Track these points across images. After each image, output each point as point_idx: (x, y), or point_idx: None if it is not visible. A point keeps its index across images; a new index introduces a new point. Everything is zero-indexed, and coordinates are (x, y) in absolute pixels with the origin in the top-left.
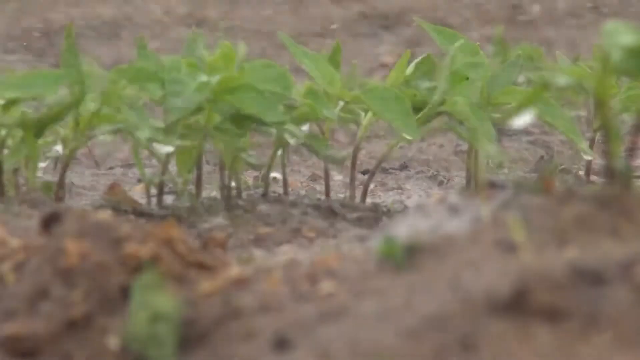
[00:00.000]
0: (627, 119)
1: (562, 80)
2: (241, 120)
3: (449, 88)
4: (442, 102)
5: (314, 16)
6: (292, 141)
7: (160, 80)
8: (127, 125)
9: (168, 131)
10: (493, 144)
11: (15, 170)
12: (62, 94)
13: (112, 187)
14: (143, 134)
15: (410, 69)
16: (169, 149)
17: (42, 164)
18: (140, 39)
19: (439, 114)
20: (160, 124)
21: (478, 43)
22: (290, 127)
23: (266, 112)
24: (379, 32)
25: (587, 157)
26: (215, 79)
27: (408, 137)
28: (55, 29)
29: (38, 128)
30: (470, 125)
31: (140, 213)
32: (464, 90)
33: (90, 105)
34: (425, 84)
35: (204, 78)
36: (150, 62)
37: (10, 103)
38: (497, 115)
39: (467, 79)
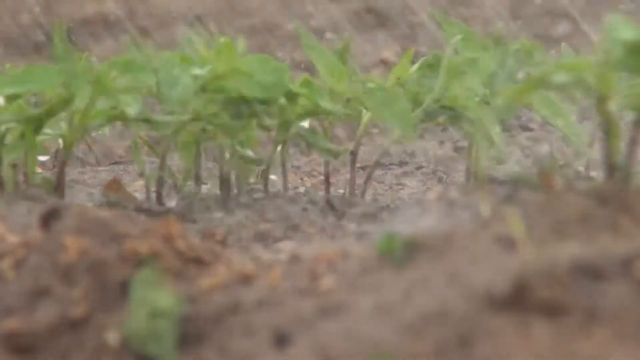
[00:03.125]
0: (627, 114)
1: (560, 76)
2: (237, 106)
3: (447, 84)
4: (440, 99)
5: (313, 13)
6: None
7: (152, 71)
8: (119, 106)
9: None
10: (497, 137)
11: (14, 166)
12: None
13: (112, 183)
14: (132, 109)
15: (416, 67)
16: None
17: (42, 158)
18: (132, 36)
19: (439, 110)
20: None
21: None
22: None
23: (261, 93)
24: (377, 28)
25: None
26: (208, 68)
27: (405, 137)
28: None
29: (37, 123)
30: (473, 118)
31: (140, 209)
32: (462, 85)
33: (85, 98)
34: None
35: (197, 71)
36: (142, 55)
37: (9, 99)
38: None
39: (466, 74)
